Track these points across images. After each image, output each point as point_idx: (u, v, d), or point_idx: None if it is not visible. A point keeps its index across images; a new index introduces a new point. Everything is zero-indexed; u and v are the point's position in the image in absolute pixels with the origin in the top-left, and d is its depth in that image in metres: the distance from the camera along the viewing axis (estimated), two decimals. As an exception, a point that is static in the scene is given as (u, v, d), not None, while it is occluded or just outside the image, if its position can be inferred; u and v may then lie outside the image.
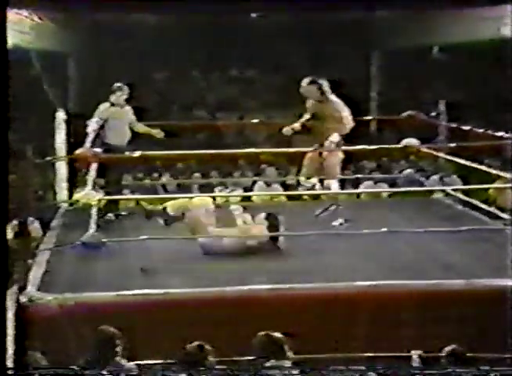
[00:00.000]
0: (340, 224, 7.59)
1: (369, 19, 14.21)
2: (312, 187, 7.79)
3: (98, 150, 7.90)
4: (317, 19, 13.83)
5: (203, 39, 14.50)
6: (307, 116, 7.78)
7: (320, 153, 7.68)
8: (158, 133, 8.44)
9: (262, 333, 4.57)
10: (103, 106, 8.20)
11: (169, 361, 4.90)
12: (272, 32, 14.66)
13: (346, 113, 7.63)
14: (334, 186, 7.70)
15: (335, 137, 7.56)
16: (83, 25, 13.42)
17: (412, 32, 14.25)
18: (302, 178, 7.83)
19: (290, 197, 10.71)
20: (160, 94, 15.67)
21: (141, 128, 8.47)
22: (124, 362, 4.66)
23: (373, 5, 12.90)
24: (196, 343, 4.52)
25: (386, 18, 14.28)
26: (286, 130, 7.75)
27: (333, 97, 7.66)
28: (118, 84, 8.29)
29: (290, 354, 4.52)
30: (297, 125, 7.73)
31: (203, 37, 14.38)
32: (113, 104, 8.22)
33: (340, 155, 7.76)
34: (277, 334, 4.56)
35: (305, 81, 7.67)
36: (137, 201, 8.95)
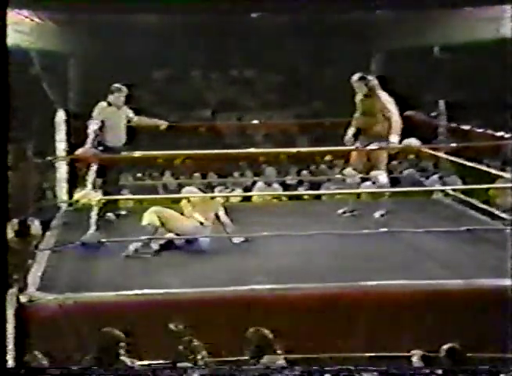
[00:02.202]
0: (382, 215, 7.79)
1: (369, 19, 14.20)
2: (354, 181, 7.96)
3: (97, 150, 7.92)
4: (317, 19, 13.82)
5: (203, 39, 14.49)
6: (356, 115, 7.97)
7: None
8: (163, 124, 8.49)
9: (253, 329, 4.59)
10: (100, 106, 8.19)
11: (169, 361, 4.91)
12: (273, 32, 14.66)
13: (394, 110, 7.78)
14: (382, 177, 7.83)
15: (394, 138, 7.68)
16: (83, 25, 13.41)
17: (412, 32, 14.24)
18: (347, 170, 8.02)
19: (290, 197, 10.72)
20: (159, 94, 15.66)
21: (143, 120, 8.48)
22: (128, 361, 4.67)
23: (373, 5, 12.89)
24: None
25: (386, 18, 14.26)
26: (348, 139, 7.93)
27: (382, 93, 7.85)
28: (117, 85, 8.29)
29: (279, 351, 4.54)
30: (352, 131, 7.92)
31: (203, 37, 14.37)
32: (110, 104, 8.21)
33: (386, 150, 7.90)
34: (266, 331, 4.58)
35: (354, 77, 7.93)
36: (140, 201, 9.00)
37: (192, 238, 6.92)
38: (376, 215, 7.85)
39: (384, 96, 7.82)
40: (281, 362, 4.46)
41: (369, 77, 7.88)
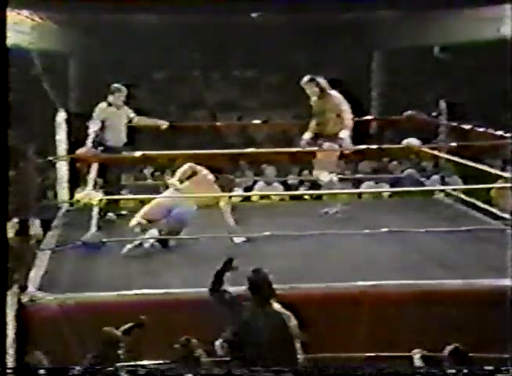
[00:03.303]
0: (336, 212, 7.81)
1: (370, 19, 14.20)
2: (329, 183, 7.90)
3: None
4: (318, 19, 13.82)
5: (204, 39, 14.48)
6: (313, 121, 7.97)
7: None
8: (163, 124, 8.49)
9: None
10: (101, 107, 8.19)
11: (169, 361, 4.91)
12: (273, 32, 14.65)
13: (346, 107, 7.81)
14: (323, 176, 7.84)
15: (343, 134, 7.69)
16: (84, 25, 13.41)
17: (413, 32, 14.24)
18: (316, 175, 8.01)
19: (291, 197, 10.72)
20: (160, 94, 15.65)
21: (144, 120, 8.49)
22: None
23: (374, 5, 12.89)
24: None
25: (386, 18, 14.26)
26: (303, 145, 7.96)
27: (332, 92, 7.84)
28: (116, 85, 8.29)
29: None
30: (308, 135, 7.91)
31: (203, 37, 14.37)
32: (110, 105, 8.22)
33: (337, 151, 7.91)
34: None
35: (304, 80, 7.88)
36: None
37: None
38: (324, 210, 7.94)
39: (334, 95, 7.85)
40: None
41: (319, 79, 7.84)
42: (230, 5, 12.42)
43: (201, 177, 7.37)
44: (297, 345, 4.91)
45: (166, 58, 15.21)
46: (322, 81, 7.87)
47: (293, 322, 4.96)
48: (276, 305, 5.05)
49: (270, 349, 4.85)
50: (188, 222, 7.08)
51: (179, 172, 7.36)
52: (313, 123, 7.99)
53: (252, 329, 4.95)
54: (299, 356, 4.90)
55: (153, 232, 6.97)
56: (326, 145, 7.87)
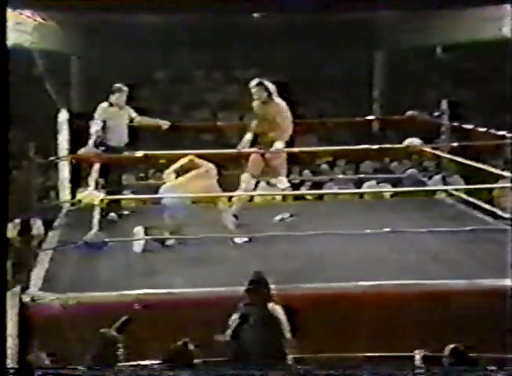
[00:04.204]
0: (281, 219, 7.67)
1: (371, 19, 14.20)
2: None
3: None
4: (319, 19, 13.82)
5: (204, 39, 14.49)
6: (254, 122, 7.81)
7: (262, 155, 7.69)
8: (165, 124, 8.48)
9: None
10: (102, 107, 8.19)
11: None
12: (274, 32, 14.65)
13: (287, 117, 7.66)
14: (281, 184, 7.75)
15: (279, 145, 7.59)
16: (86, 25, 13.42)
17: (413, 32, 14.24)
18: (244, 176, 7.80)
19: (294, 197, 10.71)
20: (161, 94, 15.66)
21: (145, 121, 8.48)
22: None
23: (375, 5, 12.89)
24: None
25: (387, 18, 14.26)
26: (243, 146, 7.78)
27: (278, 100, 7.72)
28: (118, 85, 8.28)
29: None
30: (249, 137, 7.77)
31: (203, 37, 14.37)
32: (111, 105, 8.22)
33: (284, 156, 7.76)
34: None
35: (253, 83, 7.74)
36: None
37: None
38: (277, 218, 7.76)
39: (280, 103, 7.69)
40: None
41: (267, 83, 7.70)
42: (231, 5, 12.43)
43: (201, 172, 7.30)
44: (287, 348, 5.05)
45: (167, 58, 15.23)
46: (271, 86, 7.70)
47: (285, 326, 5.13)
48: (272, 307, 5.16)
49: (260, 350, 5.02)
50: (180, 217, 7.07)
51: (177, 164, 7.31)
52: (254, 126, 7.79)
53: (245, 329, 5.09)
54: (288, 358, 5.04)
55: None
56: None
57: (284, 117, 7.64)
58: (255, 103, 7.80)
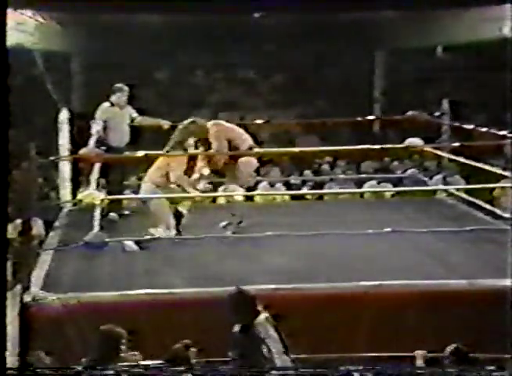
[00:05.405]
0: (225, 226, 7.54)
1: (372, 19, 14.22)
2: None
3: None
4: (319, 19, 13.84)
5: (204, 39, 14.50)
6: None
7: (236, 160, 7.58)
8: (166, 124, 8.47)
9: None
10: (103, 107, 8.20)
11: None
12: (275, 32, 14.67)
13: (218, 146, 7.49)
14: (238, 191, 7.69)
15: (205, 171, 7.53)
16: (86, 25, 13.43)
17: (414, 32, 14.26)
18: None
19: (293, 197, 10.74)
20: (161, 94, 15.67)
21: (146, 120, 8.48)
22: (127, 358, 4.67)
23: (375, 5, 12.90)
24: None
25: (388, 18, 14.28)
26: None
27: (213, 129, 7.55)
28: (118, 85, 8.28)
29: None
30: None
31: (204, 37, 14.39)
32: (112, 104, 8.22)
33: (254, 162, 7.67)
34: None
35: (185, 123, 7.56)
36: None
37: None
38: (221, 225, 7.56)
39: (212, 131, 7.52)
40: None
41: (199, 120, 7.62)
42: (232, 5, 12.44)
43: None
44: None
45: (168, 58, 15.24)
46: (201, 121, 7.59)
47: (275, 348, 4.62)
48: (261, 324, 4.70)
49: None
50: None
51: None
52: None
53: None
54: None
55: (160, 231, 7.02)
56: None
57: (214, 145, 7.50)
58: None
